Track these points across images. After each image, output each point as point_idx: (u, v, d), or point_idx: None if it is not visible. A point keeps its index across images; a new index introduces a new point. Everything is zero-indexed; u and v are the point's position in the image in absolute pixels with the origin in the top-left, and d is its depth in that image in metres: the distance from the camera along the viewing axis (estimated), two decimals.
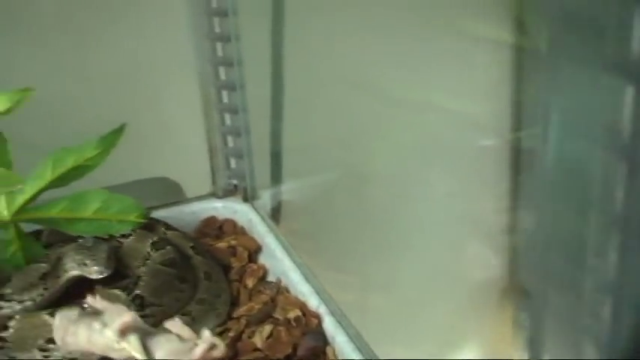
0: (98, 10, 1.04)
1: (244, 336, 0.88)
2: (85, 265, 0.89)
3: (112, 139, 0.91)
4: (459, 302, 0.83)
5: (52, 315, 0.82)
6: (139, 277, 0.90)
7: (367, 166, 0.88)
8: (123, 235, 0.97)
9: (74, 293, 0.90)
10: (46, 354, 0.82)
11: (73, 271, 0.89)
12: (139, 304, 0.86)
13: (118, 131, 0.92)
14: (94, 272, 0.88)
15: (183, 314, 0.88)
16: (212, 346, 0.72)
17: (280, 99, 1.01)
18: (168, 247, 0.97)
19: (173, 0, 1.05)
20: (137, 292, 0.87)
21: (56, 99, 1.02)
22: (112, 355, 0.74)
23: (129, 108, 1.10)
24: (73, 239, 0.95)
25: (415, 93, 0.81)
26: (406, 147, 0.84)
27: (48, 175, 0.89)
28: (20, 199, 0.89)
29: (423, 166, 0.77)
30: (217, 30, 1.05)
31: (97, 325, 0.74)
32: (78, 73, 1.05)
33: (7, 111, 0.78)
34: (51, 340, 0.82)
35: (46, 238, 0.98)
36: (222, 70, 1.07)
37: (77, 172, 0.91)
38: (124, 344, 0.72)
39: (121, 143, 1.05)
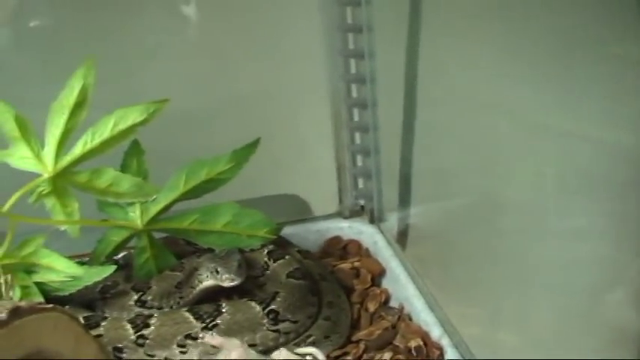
0: (236, 30, 1.06)
1: None
2: (217, 272, 0.90)
3: (245, 153, 0.92)
4: (593, 347, 0.75)
5: (192, 312, 0.86)
6: (276, 293, 0.89)
7: (502, 195, 0.82)
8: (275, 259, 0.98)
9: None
10: (183, 349, 0.84)
11: (207, 282, 0.91)
12: (272, 319, 0.86)
13: (252, 146, 0.92)
14: (226, 280, 0.89)
15: (324, 319, 0.90)
16: None
17: (412, 119, 0.98)
18: (288, 257, 0.97)
19: (309, 16, 1.05)
20: (273, 307, 0.87)
21: (196, 113, 1.06)
22: None
23: (263, 123, 1.10)
24: (194, 251, 0.97)
25: (557, 119, 0.74)
26: (545, 176, 0.78)
27: (181, 187, 0.91)
28: (154, 209, 0.91)
29: (562, 198, 0.71)
30: (351, 47, 1.03)
31: None
32: (219, 89, 1.08)
33: (144, 122, 0.81)
34: (189, 337, 0.84)
35: None
36: (354, 88, 1.06)
37: (209, 184, 0.92)
38: None
39: (253, 158, 1.06)
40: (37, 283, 0.82)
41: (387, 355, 0.84)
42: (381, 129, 1.05)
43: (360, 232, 1.10)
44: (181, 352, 0.85)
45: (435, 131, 0.95)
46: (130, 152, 0.91)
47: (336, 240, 1.11)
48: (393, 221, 1.07)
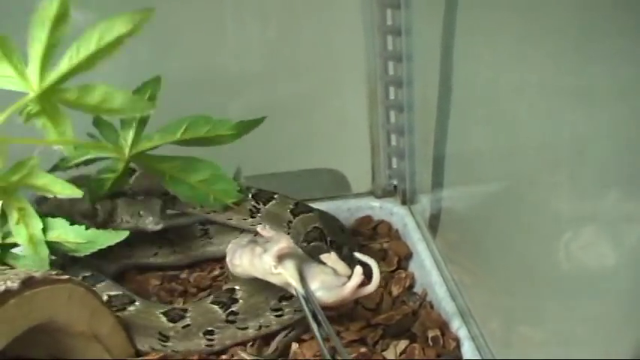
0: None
1: (377, 347, 0.83)
2: (140, 216, 0.90)
3: (248, 126, 0.90)
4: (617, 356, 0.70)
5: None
6: None
7: (537, 181, 0.78)
8: (265, 201, 0.96)
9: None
10: (279, 313, 0.82)
11: (126, 225, 0.91)
12: None
13: (256, 122, 0.90)
14: (150, 223, 0.89)
15: None
16: (362, 283, 0.72)
17: (448, 99, 0.94)
18: (312, 214, 0.94)
19: None
20: None
21: (230, 77, 1.07)
22: (270, 279, 0.75)
23: (298, 95, 1.09)
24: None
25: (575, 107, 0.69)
26: (577, 164, 0.72)
27: (178, 135, 0.89)
28: (145, 145, 0.89)
29: (597, 183, 0.66)
30: (389, 22, 1.00)
31: (258, 250, 0.75)
32: (259, 57, 1.08)
33: (130, 32, 0.73)
34: (284, 298, 0.82)
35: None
36: (390, 65, 1.03)
37: (204, 141, 0.90)
38: (280, 269, 0.73)
39: (288, 131, 1.05)
40: (53, 242, 0.81)
41: (403, 343, 0.82)
42: (417, 108, 1.02)
43: (391, 213, 1.07)
44: (277, 317, 0.82)
45: (472, 112, 0.92)
46: (149, 82, 0.89)
47: (367, 219, 1.09)
48: (424, 203, 1.05)
